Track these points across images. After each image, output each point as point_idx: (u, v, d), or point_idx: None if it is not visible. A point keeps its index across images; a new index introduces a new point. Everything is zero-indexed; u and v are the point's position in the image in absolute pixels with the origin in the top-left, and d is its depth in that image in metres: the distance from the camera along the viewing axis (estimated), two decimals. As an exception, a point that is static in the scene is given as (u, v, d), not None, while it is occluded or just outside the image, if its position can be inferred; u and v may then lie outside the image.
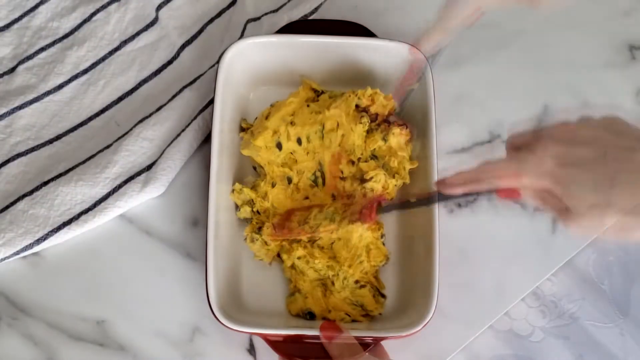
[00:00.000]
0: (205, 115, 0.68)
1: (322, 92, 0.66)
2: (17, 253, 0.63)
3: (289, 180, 0.64)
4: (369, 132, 0.64)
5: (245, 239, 0.63)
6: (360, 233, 0.61)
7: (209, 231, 0.59)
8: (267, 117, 0.64)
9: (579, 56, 0.73)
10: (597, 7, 0.74)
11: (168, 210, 0.67)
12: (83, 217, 0.64)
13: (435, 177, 0.61)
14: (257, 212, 0.64)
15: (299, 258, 0.61)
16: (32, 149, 0.68)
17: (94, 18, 0.72)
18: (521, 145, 0.50)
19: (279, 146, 0.64)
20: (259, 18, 0.72)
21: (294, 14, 0.71)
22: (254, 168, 0.67)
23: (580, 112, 0.50)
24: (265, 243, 0.62)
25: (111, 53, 0.72)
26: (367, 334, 0.57)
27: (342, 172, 0.64)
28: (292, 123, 0.64)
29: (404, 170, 0.63)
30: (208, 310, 0.57)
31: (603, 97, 0.71)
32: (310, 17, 0.72)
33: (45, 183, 0.65)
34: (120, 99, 0.70)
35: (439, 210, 0.60)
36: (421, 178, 0.62)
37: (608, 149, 0.46)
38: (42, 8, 0.73)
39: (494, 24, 0.73)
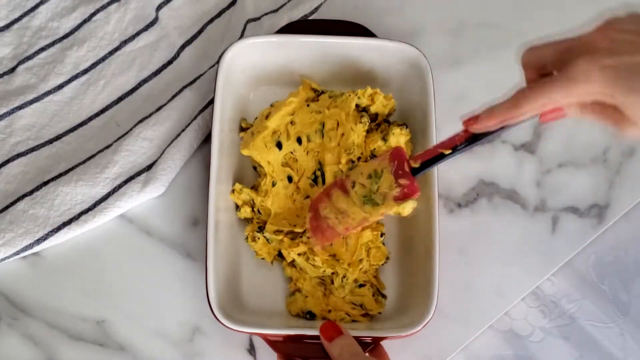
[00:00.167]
0: (205, 115, 0.68)
1: (322, 92, 0.66)
2: (17, 253, 0.63)
3: (289, 180, 0.64)
4: (369, 131, 0.64)
5: (246, 238, 0.63)
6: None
7: (209, 231, 0.59)
8: (267, 117, 0.64)
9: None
10: (597, 7, 0.74)
11: (168, 210, 0.67)
12: (83, 217, 0.64)
13: (435, 177, 0.61)
14: (258, 211, 0.64)
15: (299, 254, 0.61)
16: (32, 149, 0.68)
17: (94, 18, 0.72)
18: (548, 64, 0.46)
19: (279, 145, 0.64)
20: (259, 18, 0.72)
21: (294, 14, 0.71)
22: (254, 168, 0.67)
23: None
24: (267, 241, 0.62)
25: (111, 53, 0.72)
26: (367, 334, 0.57)
27: (342, 172, 0.64)
28: (292, 122, 0.64)
29: (404, 170, 0.63)
30: (208, 310, 0.57)
31: (603, 97, 0.71)
32: (310, 17, 0.72)
33: (45, 183, 0.65)
34: (120, 99, 0.70)
35: (438, 210, 0.60)
36: (421, 178, 0.62)
37: None
38: (42, 8, 0.73)
39: (494, 24, 0.73)
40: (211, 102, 0.67)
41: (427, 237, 0.60)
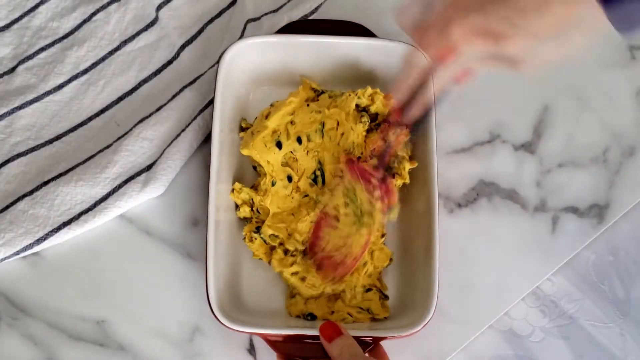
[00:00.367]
0: (205, 115, 0.68)
1: (322, 92, 0.66)
2: (17, 253, 0.63)
3: (289, 180, 0.64)
4: (369, 131, 0.64)
5: (244, 238, 0.63)
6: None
7: (209, 231, 0.59)
8: (267, 117, 0.64)
9: (578, 56, 0.73)
10: (597, 7, 0.74)
11: (168, 210, 0.67)
12: (83, 217, 0.64)
13: (435, 177, 0.61)
14: (257, 211, 0.64)
15: (293, 274, 0.61)
16: (32, 149, 0.68)
17: (94, 18, 0.72)
18: (422, 22, 0.49)
19: (279, 145, 0.64)
20: (259, 18, 0.72)
21: (294, 14, 0.71)
22: (254, 168, 0.67)
23: None
24: (265, 242, 0.62)
25: (111, 53, 0.72)
26: (367, 334, 0.57)
27: (342, 172, 0.63)
28: (292, 122, 0.64)
29: (404, 170, 0.63)
30: (208, 310, 0.57)
31: (603, 97, 0.71)
32: (310, 17, 0.72)
33: (45, 183, 0.65)
34: (120, 99, 0.70)
35: (439, 210, 0.60)
36: (421, 178, 0.62)
37: None
38: (42, 8, 0.73)
39: (494, 24, 0.72)
40: (211, 102, 0.67)
41: (427, 237, 0.60)
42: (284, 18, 0.71)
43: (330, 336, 0.55)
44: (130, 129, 0.67)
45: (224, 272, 0.60)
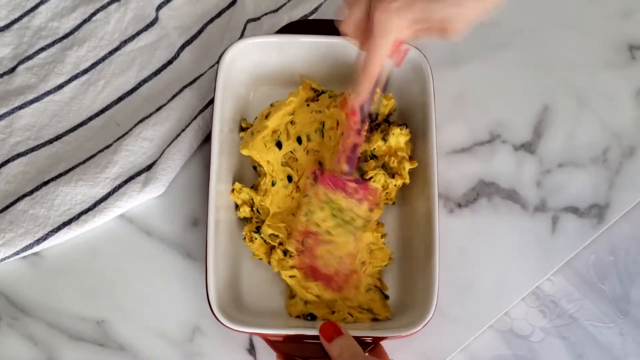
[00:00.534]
0: (205, 115, 0.68)
1: (322, 92, 0.66)
2: (17, 253, 0.63)
3: (289, 179, 0.64)
4: (369, 131, 0.64)
5: (244, 238, 0.63)
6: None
7: (209, 231, 0.59)
8: (266, 117, 0.64)
9: (578, 56, 0.73)
10: (597, 7, 0.74)
11: (168, 210, 0.67)
12: (83, 217, 0.64)
13: (435, 177, 0.61)
14: (257, 211, 0.64)
15: (291, 277, 0.61)
16: (32, 149, 0.68)
17: (94, 18, 0.72)
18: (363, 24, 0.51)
19: (279, 145, 0.64)
20: (259, 18, 0.72)
21: (294, 14, 0.71)
22: (254, 168, 0.67)
23: None
24: (265, 242, 0.62)
25: (111, 53, 0.72)
26: (367, 334, 0.57)
27: (341, 172, 0.63)
28: (292, 122, 0.64)
29: (404, 170, 0.63)
30: (208, 310, 0.57)
31: (603, 97, 0.71)
32: (310, 17, 0.72)
33: (45, 183, 0.65)
34: (120, 99, 0.70)
35: (439, 210, 0.60)
36: (421, 178, 0.62)
37: None
38: (42, 8, 0.73)
39: (494, 24, 0.73)
40: (211, 102, 0.67)
41: (427, 237, 0.60)
42: (284, 18, 0.71)
43: (330, 336, 0.55)
44: (130, 129, 0.67)
45: (224, 272, 0.60)
